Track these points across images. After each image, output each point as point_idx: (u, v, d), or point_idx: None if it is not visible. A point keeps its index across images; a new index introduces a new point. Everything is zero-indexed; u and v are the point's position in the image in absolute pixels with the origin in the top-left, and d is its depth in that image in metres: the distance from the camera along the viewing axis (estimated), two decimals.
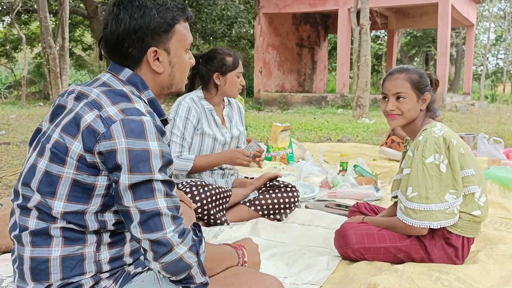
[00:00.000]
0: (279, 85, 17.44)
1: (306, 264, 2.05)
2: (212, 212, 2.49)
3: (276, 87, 17.28)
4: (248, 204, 2.69)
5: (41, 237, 1.15)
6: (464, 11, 16.31)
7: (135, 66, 1.25)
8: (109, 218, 1.18)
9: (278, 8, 16.06)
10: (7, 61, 21.06)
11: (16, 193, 1.21)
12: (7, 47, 20.28)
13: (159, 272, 1.14)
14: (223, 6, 15.46)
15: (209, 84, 2.62)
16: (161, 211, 1.10)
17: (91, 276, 1.18)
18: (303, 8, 16.02)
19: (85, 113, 1.14)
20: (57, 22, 13.04)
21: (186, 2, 14.38)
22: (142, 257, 1.27)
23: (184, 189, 2.47)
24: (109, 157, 1.10)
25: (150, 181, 1.10)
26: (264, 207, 2.67)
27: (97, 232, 1.18)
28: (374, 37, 26.80)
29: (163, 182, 1.12)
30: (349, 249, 2.03)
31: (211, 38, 18.10)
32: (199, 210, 2.45)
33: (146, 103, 1.23)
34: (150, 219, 1.10)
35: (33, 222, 1.16)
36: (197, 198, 2.44)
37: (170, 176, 1.18)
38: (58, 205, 1.14)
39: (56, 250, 1.15)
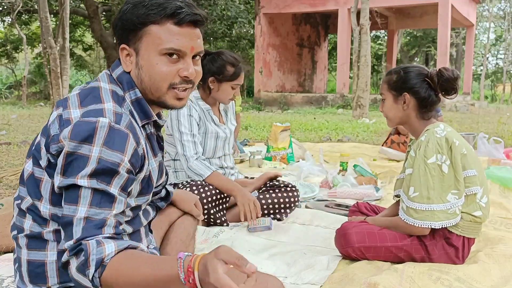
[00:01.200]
0: (279, 85, 17.44)
1: (306, 264, 2.05)
2: (212, 212, 2.49)
3: (276, 87, 17.28)
4: None
5: (36, 240, 1.13)
6: (464, 11, 16.31)
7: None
8: None
9: (278, 8, 16.06)
10: (8, 61, 21.11)
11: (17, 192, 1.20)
12: (8, 47, 20.32)
13: None
14: (223, 6, 15.45)
15: (204, 84, 2.64)
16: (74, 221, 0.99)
17: None
18: (303, 8, 16.03)
19: (53, 112, 1.11)
20: (57, 22, 13.02)
21: None
22: None
23: (184, 189, 2.46)
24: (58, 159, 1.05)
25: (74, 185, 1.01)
26: (264, 207, 2.67)
27: None
28: (374, 37, 26.80)
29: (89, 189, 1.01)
30: (350, 248, 2.03)
31: (211, 38, 18.10)
32: None
33: (129, 104, 1.16)
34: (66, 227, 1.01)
35: (28, 224, 1.14)
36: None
37: (125, 189, 1.07)
38: (45, 208, 1.11)
39: (51, 255, 1.13)
